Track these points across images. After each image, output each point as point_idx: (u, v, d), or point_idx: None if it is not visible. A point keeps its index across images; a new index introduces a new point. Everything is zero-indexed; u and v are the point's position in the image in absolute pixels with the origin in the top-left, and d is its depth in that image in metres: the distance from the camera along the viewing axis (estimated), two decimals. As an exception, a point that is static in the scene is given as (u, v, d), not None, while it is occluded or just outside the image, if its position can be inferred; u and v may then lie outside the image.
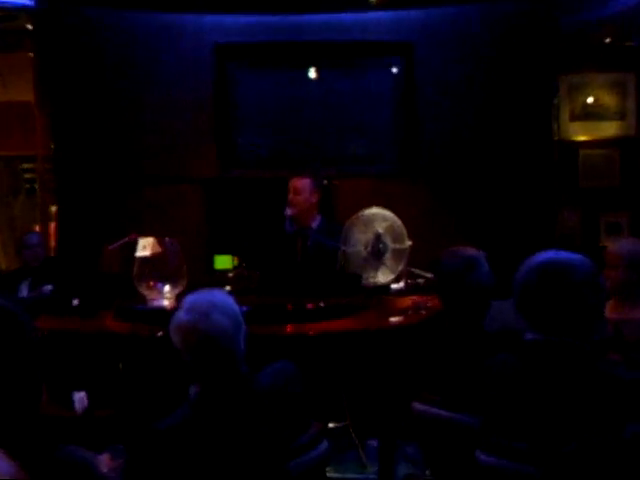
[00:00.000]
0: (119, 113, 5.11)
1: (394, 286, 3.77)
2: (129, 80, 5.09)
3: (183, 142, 5.14)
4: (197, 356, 1.97)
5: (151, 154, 5.14)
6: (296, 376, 2.12)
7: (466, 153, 5.08)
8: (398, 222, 3.78)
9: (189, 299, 2.02)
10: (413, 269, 3.79)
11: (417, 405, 2.38)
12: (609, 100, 5.42)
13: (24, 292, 4.33)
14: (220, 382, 1.98)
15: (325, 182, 4.39)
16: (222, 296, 2.03)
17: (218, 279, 3.64)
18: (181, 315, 1.98)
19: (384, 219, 3.78)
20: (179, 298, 3.26)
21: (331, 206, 4.56)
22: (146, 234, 3.48)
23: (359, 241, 3.77)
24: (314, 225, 4.03)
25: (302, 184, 3.97)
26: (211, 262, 4.19)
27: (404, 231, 3.78)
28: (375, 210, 3.80)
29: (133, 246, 3.45)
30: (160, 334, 2.93)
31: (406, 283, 3.76)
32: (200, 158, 5.14)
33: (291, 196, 3.99)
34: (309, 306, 3.22)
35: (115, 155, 5.15)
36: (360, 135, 5.23)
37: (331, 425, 3.39)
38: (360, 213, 3.79)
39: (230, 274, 3.71)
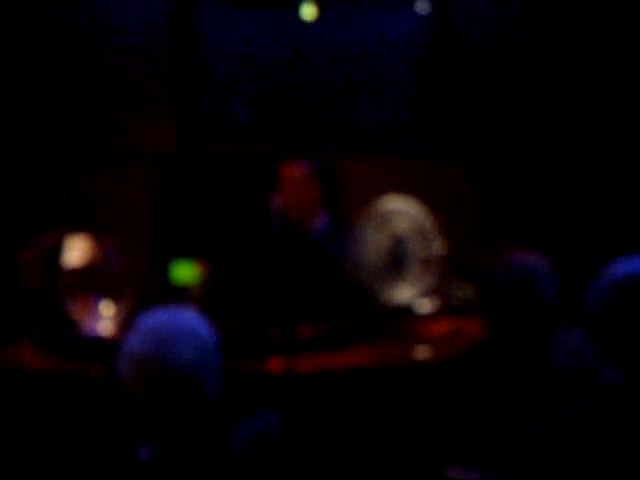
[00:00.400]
0: (38, 61, 5.09)
1: (421, 306, 3.79)
2: (52, 17, 5.07)
3: (128, 105, 5.16)
4: (153, 402, 1.97)
5: (83, 122, 5.14)
6: (284, 435, 2.14)
7: (523, 123, 5.07)
8: (427, 219, 3.79)
9: (146, 320, 2.03)
10: (448, 283, 3.81)
11: (452, 471, 2.39)
12: None
13: None
14: (183, 441, 1.99)
15: (328, 163, 4.41)
16: (192, 319, 2.05)
17: (176, 295, 3.66)
18: (134, 342, 1.99)
19: (407, 215, 3.80)
20: (123, 322, 3.32)
21: (335, 196, 4.60)
22: (77, 234, 3.50)
23: (373, 245, 3.78)
24: (318, 225, 4.09)
25: (297, 174, 4.01)
26: (167, 272, 4.18)
27: (435, 231, 3.79)
28: (395, 203, 3.82)
29: (58, 250, 3.47)
30: (95, 372, 2.94)
31: (438, 302, 3.79)
32: (153, 127, 5.16)
33: (283, 190, 4.03)
34: (303, 333, 3.25)
35: (32, 124, 5.12)
36: (375, 98, 5.23)
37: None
38: (375, 206, 3.81)
39: (193, 288, 3.74)
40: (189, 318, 2.04)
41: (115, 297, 3.37)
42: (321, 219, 4.07)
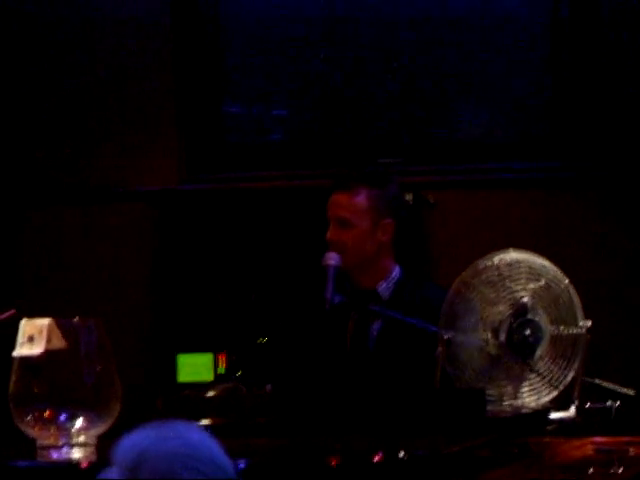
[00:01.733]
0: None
1: (557, 415, 3.73)
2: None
3: (116, 122, 5.36)
4: None
5: (52, 148, 5.35)
6: None
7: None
8: (563, 281, 3.77)
9: (130, 445, 1.99)
10: (597, 380, 3.80)
11: None
12: None
13: None
14: None
15: (409, 198, 4.43)
16: (200, 439, 2.02)
17: (186, 404, 3.72)
18: (120, 474, 1.94)
19: (534, 274, 3.77)
20: (105, 444, 3.22)
21: (421, 247, 4.59)
22: (37, 311, 3.50)
23: (481, 322, 3.76)
24: (383, 288, 4.17)
25: (356, 204, 4.14)
26: (172, 368, 4.18)
27: (577, 300, 3.75)
28: (515, 256, 3.80)
29: (10, 335, 3.43)
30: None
31: (582, 409, 3.73)
32: (151, 153, 5.33)
33: (333, 229, 4.14)
34: (376, 459, 3.18)
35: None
36: (482, 102, 5.36)
37: None
38: (483, 263, 3.78)
39: (211, 392, 3.79)
40: (197, 439, 2.02)
41: (92, 408, 3.33)
42: (395, 277, 4.16)
